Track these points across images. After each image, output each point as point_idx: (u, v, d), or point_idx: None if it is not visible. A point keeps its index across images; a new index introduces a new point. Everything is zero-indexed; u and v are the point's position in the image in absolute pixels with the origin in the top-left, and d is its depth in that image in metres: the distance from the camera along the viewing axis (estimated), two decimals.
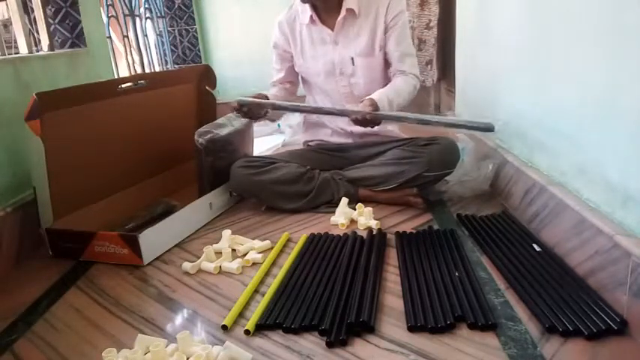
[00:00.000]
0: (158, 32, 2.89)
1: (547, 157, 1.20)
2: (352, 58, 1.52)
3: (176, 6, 2.94)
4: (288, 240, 1.28)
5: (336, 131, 1.64)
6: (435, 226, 1.29)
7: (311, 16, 1.51)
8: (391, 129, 1.63)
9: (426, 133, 1.54)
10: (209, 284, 1.09)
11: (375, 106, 1.33)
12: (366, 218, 1.33)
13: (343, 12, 1.49)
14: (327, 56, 1.54)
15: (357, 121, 1.33)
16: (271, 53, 1.65)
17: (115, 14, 2.33)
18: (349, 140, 1.63)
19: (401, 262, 1.10)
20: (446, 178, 1.47)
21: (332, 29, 1.51)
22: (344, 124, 1.59)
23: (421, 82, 1.85)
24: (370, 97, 1.37)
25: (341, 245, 1.20)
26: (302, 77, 1.67)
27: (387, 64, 1.55)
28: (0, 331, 0.96)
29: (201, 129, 1.45)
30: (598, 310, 0.85)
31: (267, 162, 1.50)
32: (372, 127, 1.36)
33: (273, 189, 1.46)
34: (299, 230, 1.34)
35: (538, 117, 1.24)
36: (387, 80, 1.55)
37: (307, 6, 1.50)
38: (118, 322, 0.97)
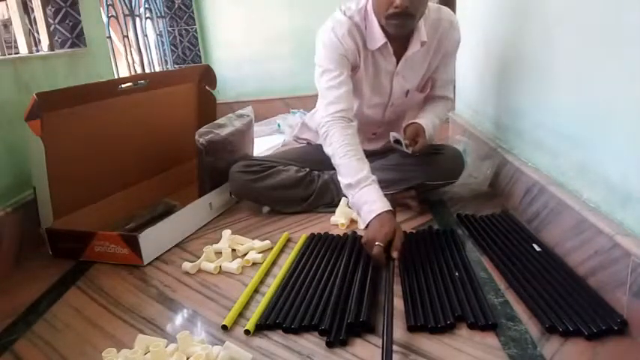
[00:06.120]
0: (158, 32, 2.89)
1: (547, 157, 1.20)
2: (407, 91, 1.43)
3: (176, 6, 2.94)
4: (288, 240, 1.28)
5: None
6: (435, 226, 1.29)
7: (385, 44, 1.31)
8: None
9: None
10: (209, 284, 1.09)
11: (422, 135, 1.35)
12: None
13: (417, 45, 1.32)
14: (385, 87, 1.41)
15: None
16: (330, 66, 1.28)
17: (115, 14, 2.33)
18: None
19: (401, 262, 1.10)
20: None
21: (397, 59, 1.36)
22: None
23: None
24: (420, 124, 1.37)
25: (341, 245, 1.19)
26: None
27: None
28: (0, 331, 0.96)
29: (202, 129, 1.45)
30: (598, 310, 0.85)
31: (265, 166, 1.46)
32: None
33: (273, 194, 1.44)
34: (299, 230, 1.34)
35: (538, 117, 1.24)
36: (422, 104, 1.51)
37: (380, 32, 1.29)
38: (118, 322, 0.97)
